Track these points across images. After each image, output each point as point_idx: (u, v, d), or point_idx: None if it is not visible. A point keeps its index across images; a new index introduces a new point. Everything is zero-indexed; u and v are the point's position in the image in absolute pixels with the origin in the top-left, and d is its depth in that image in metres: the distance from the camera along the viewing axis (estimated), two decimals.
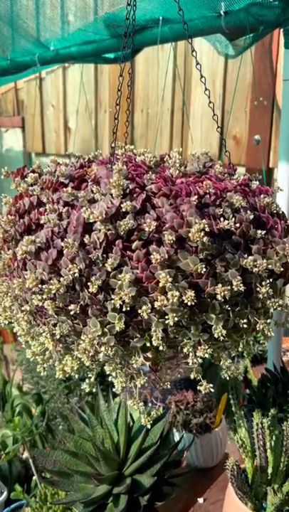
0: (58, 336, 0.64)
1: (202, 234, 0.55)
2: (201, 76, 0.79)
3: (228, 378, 0.69)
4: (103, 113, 2.35)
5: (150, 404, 1.15)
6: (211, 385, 0.64)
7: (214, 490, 0.88)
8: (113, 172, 0.62)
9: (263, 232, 0.63)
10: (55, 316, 0.63)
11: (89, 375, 0.75)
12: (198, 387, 0.66)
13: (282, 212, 0.70)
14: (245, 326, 0.62)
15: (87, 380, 0.73)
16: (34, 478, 1.28)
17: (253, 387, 0.88)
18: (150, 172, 0.63)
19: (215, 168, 0.74)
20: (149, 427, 0.75)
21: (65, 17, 1.33)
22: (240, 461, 0.78)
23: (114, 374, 0.64)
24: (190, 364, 0.62)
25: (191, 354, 0.61)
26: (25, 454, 1.40)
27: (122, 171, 0.61)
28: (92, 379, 0.75)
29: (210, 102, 0.80)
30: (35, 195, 0.67)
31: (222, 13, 1.07)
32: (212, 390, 0.65)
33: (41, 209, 0.67)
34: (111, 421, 0.96)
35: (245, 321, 0.62)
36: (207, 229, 0.56)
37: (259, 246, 0.63)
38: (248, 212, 0.62)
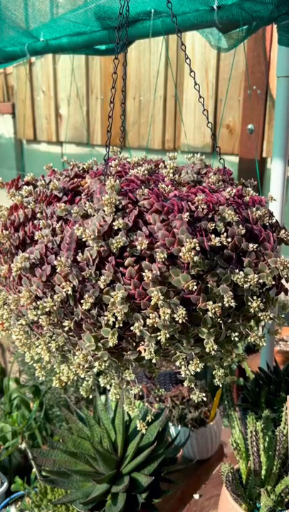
0: (53, 349, 0.65)
1: (193, 253, 0.55)
2: (191, 70, 0.78)
3: (220, 385, 0.71)
4: (95, 99, 2.32)
5: (146, 404, 1.18)
6: (204, 394, 0.66)
7: (209, 486, 0.91)
8: (106, 187, 0.62)
9: (255, 245, 0.63)
10: (51, 329, 0.64)
11: (86, 378, 0.76)
12: (191, 396, 0.67)
13: (276, 222, 0.70)
14: (236, 339, 0.63)
15: (84, 384, 0.74)
16: (34, 470, 1.31)
17: (247, 387, 0.90)
18: (143, 186, 0.63)
19: (209, 177, 0.74)
20: (144, 432, 0.77)
21: (55, 8, 1.30)
22: (234, 461, 0.80)
23: (108, 386, 0.65)
24: (182, 375, 0.64)
25: (183, 367, 0.63)
26: (24, 445, 1.43)
27: (115, 186, 0.61)
28: (90, 382, 0.76)
29: (200, 97, 0.80)
30: (30, 208, 0.67)
31: (215, 7, 1.05)
32: (204, 399, 0.67)
33: (36, 221, 0.68)
34: (108, 420, 0.98)
35: (236, 334, 0.63)
36: (198, 248, 0.56)
37: (251, 259, 0.63)
38: (240, 226, 0.63)
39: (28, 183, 0.71)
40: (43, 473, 0.94)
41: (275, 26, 1.06)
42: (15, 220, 0.68)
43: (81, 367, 0.61)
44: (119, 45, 0.76)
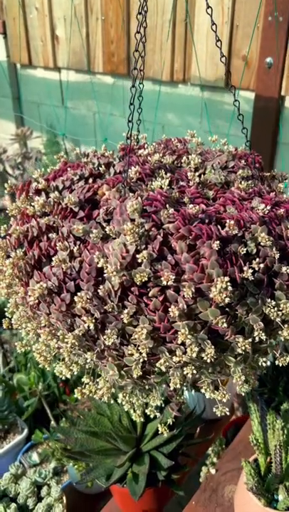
0: (75, 372, 0.63)
1: (224, 295, 0.51)
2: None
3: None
4: (95, 20, 2.08)
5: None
6: (227, 409, 0.66)
7: (224, 460, 0.95)
8: (127, 209, 0.56)
9: (288, 268, 0.59)
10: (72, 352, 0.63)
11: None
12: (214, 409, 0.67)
13: None
14: (264, 364, 0.61)
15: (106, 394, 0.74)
16: (52, 423, 1.38)
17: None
18: (168, 205, 0.57)
19: (237, 175, 0.68)
20: (165, 435, 0.78)
21: None
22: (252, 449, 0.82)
23: (132, 410, 0.65)
24: (207, 396, 0.63)
25: (208, 391, 0.62)
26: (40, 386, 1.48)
27: (137, 209, 0.55)
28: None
29: (213, 24, 0.71)
30: (44, 222, 0.62)
31: None
32: (228, 414, 0.67)
33: (50, 235, 0.62)
34: None
35: (264, 359, 0.61)
36: (230, 288, 0.52)
37: (282, 280, 0.59)
38: (274, 249, 0.58)
39: (39, 191, 0.65)
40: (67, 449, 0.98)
41: None
42: (28, 234, 0.63)
43: (104, 395, 0.60)
44: None
